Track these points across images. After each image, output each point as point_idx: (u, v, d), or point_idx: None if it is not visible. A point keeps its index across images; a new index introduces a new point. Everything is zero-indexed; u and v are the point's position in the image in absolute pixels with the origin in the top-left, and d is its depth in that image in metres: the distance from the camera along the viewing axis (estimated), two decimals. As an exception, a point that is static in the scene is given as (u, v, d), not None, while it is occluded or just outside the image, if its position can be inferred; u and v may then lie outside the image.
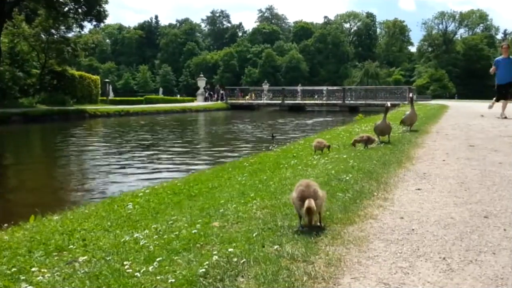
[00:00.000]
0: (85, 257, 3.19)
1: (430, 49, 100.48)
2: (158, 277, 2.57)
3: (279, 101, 50.14)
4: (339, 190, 4.37)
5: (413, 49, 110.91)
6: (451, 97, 69.34)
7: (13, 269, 3.08)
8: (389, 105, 8.65)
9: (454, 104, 30.92)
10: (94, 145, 16.84)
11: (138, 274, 2.67)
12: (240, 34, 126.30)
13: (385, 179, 4.91)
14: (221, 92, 56.61)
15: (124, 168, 11.51)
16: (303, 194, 3.19)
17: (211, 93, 59.23)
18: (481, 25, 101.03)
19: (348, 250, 2.84)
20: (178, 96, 76.08)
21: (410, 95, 10.61)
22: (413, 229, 3.28)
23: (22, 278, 2.91)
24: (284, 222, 3.40)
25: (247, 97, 54.04)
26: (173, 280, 2.48)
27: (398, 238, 3.09)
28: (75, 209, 5.45)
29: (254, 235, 3.17)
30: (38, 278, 2.86)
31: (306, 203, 3.08)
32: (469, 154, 6.94)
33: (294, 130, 23.65)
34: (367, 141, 7.51)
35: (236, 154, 13.20)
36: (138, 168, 11.65)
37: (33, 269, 3.07)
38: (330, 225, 3.32)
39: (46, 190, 9.42)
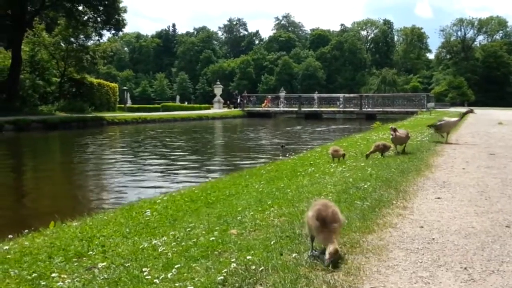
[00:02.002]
0: (104, 263, 3.22)
1: (448, 56, 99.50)
2: (177, 284, 2.58)
3: (296, 109, 50.07)
4: (358, 198, 4.35)
5: (431, 56, 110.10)
6: (461, 104, 67.63)
7: (34, 275, 3.12)
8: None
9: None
10: (112, 152, 17.00)
11: (157, 280, 2.68)
12: (257, 41, 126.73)
13: (404, 188, 4.87)
14: (251, 98, 55.43)
15: (144, 175, 11.61)
16: (319, 213, 2.81)
17: (242, 99, 56.08)
18: (500, 32, 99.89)
19: (367, 259, 2.82)
20: (186, 103, 74.19)
21: (468, 109, 10.25)
22: (433, 238, 3.24)
23: (43, 283, 2.94)
24: (302, 230, 3.38)
25: (263, 104, 53.61)
26: (191, 288, 2.49)
27: (418, 248, 3.06)
28: (94, 216, 5.50)
29: (272, 243, 3.17)
30: (58, 284, 2.89)
31: (332, 247, 2.67)
32: (490, 162, 6.86)
33: (311, 138, 23.58)
34: (383, 149, 7.47)
35: (252, 162, 13.20)
36: (156, 175, 11.72)
37: (53, 274, 3.10)
38: (349, 234, 3.29)
39: (65, 197, 9.53)
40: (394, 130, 7.32)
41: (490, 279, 2.53)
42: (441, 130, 9.56)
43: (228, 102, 58.18)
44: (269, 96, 56.39)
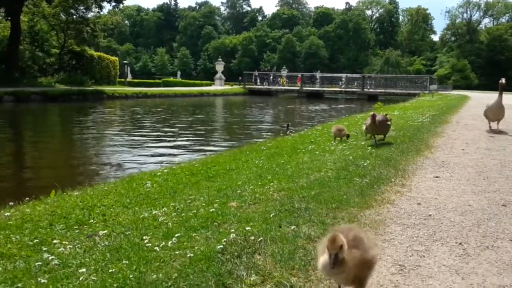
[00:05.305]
0: (105, 231, 3.27)
1: (453, 38, 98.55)
2: (177, 252, 2.63)
3: (297, 88, 49.88)
4: (357, 176, 4.39)
5: (435, 38, 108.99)
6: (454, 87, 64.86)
7: (35, 240, 3.17)
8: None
9: (475, 95, 30.51)
10: (112, 126, 17.02)
11: (157, 248, 2.73)
12: (260, 18, 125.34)
13: (403, 166, 4.90)
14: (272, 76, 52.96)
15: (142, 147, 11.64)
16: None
17: (273, 78, 52.91)
18: (507, 15, 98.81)
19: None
20: (171, 77, 69.30)
21: (502, 81, 8.58)
22: (430, 215, 3.29)
23: (44, 249, 2.99)
24: (301, 204, 3.43)
25: (281, 81, 52.14)
26: (191, 255, 2.53)
27: (414, 223, 3.10)
28: (95, 186, 5.54)
29: (271, 215, 3.22)
30: (60, 250, 2.94)
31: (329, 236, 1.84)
32: (489, 144, 6.88)
33: (312, 117, 23.57)
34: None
35: (253, 138, 13.23)
36: (155, 148, 11.74)
37: (54, 241, 3.15)
38: (347, 209, 3.34)
39: (66, 168, 9.56)
40: (373, 118, 6.39)
41: (484, 254, 2.58)
42: (488, 117, 8.74)
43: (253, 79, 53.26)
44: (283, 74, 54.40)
